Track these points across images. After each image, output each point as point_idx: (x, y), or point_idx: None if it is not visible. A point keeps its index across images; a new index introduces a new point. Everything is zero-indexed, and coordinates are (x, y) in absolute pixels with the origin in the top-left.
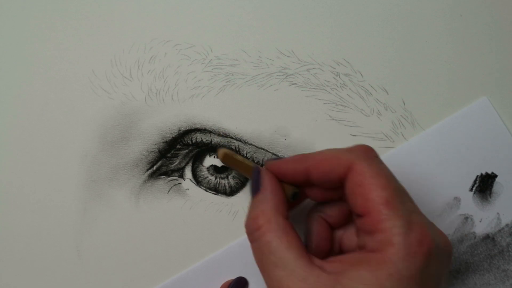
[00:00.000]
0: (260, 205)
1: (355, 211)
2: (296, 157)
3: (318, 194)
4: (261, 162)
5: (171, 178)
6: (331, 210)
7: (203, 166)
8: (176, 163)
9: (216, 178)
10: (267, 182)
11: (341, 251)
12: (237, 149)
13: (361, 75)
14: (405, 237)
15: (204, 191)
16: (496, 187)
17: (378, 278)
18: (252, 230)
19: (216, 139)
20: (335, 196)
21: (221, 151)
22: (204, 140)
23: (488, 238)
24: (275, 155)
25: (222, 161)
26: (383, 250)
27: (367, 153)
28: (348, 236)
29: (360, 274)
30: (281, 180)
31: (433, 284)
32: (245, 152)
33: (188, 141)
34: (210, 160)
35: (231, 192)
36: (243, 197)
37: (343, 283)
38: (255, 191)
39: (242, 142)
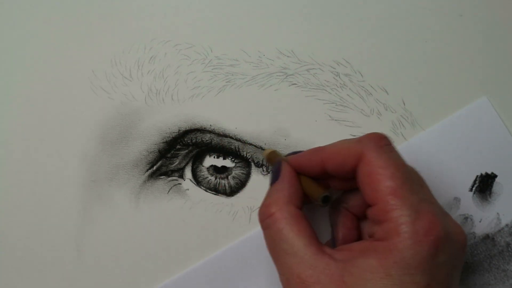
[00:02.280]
0: (274, 194)
1: (366, 201)
2: (311, 150)
3: (338, 183)
4: (261, 162)
5: (171, 178)
6: (354, 200)
7: (203, 166)
8: (176, 163)
9: (216, 178)
10: (284, 173)
11: None
12: (237, 149)
13: (361, 75)
14: (411, 226)
15: (204, 191)
16: (496, 187)
17: (384, 266)
18: (264, 217)
19: (216, 139)
20: (351, 187)
21: (266, 151)
22: (204, 140)
23: (488, 238)
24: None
25: (267, 159)
26: (390, 238)
27: (378, 142)
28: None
29: (367, 262)
30: (311, 180)
31: (443, 275)
32: (245, 152)
33: (188, 141)
34: (210, 160)
35: (231, 192)
36: (243, 197)
37: (351, 271)
38: (273, 181)
39: (242, 142)
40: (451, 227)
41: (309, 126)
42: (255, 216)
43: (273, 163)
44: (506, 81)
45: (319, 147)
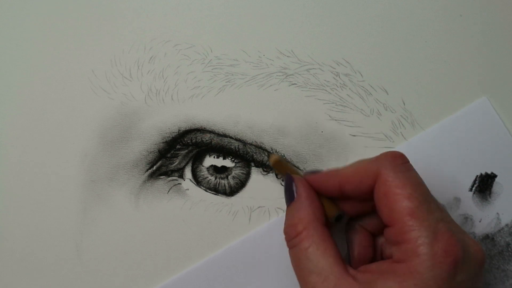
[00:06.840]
0: (297, 213)
1: (383, 221)
2: (329, 172)
3: (355, 206)
4: (261, 161)
5: (171, 178)
6: (370, 218)
7: (203, 166)
8: (176, 163)
9: (216, 178)
10: (302, 189)
11: (383, 257)
12: (237, 149)
13: (361, 75)
14: (430, 247)
15: (204, 191)
16: (495, 187)
17: None
18: (291, 237)
19: (216, 139)
20: (369, 209)
21: (273, 157)
22: (204, 140)
23: (488, 238)
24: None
25: (273, 166)
26: (409, 260)
27: (394, 160)
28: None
29: (387, 284)
30: (325, 197)
31: None
32: (245, 152)
33: (188, 141)
34: (210, 160)
35: (231, 192)
36: (243, 197)
37: None
38: (290, 199)
39: (242, 142)
40: (470, 246)
41: (309, 126)
42: (255, 216)
43: (282, 173)
44: (506, 81)
45: (337, 169)
